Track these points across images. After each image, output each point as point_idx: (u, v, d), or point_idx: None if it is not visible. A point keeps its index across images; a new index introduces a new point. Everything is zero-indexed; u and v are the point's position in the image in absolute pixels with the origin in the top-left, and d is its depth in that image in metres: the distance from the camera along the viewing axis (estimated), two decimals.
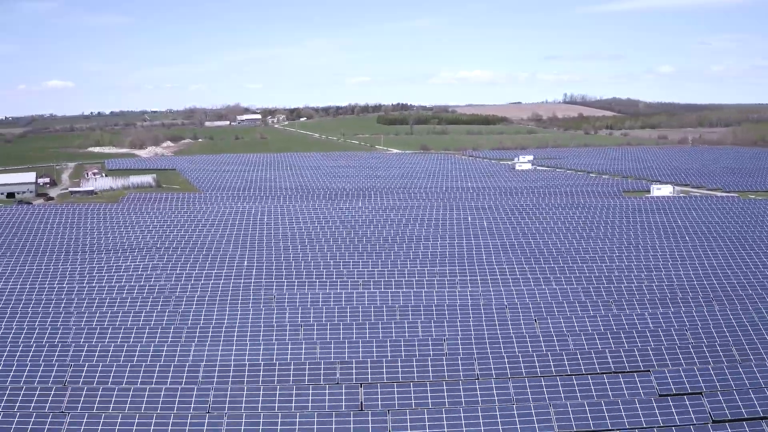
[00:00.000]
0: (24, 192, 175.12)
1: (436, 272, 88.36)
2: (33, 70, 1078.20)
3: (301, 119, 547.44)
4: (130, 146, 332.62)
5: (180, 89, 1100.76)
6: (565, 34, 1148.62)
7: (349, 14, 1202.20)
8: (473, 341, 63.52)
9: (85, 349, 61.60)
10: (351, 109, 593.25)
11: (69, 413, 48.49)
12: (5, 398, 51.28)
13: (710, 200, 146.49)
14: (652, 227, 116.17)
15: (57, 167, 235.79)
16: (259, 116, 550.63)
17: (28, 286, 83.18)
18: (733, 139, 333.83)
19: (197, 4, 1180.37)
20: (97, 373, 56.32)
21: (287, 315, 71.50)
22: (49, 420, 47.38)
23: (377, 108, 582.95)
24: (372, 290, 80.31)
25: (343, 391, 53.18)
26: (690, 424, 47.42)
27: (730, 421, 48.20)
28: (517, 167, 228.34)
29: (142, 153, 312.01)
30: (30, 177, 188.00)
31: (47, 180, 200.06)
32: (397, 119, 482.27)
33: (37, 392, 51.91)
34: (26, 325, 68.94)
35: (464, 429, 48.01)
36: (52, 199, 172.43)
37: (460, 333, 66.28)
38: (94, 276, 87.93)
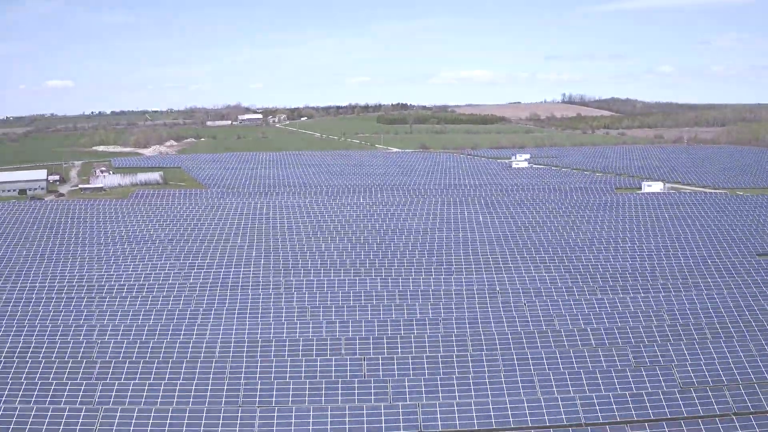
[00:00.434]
0: (35, 189, 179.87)
1: (434, 261, 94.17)
2: (33, 69, 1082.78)
3: (302, 119, 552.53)
4: (135, 145, 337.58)
5: (180, 89, 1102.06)
6: (565, 33, 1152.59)
7: (350, 14, 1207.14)
8: (467, 321, 69.25)
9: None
10: (351, 109, 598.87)
11: (100, 382, 54.32)
12: (40, 369, 57.10)
13: (698, 196, 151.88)
14: (640, 221, 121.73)
15: (65, 165, 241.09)
16: (260, 116, 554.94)
17: (50, 273, 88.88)
18: (728, 138, 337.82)
19: (197, 5, 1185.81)
20: (122, 348, 62.25)
21: (294, 299, 77.27)
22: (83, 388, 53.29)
23: (377, 108, 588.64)
24: (373, 277, 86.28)
25: (348, 362, 58.88)
26: (659, 390, 53.27)
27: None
28: (514, 165, 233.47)
29: (147, 151, 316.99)
30: (41, 174, 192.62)
31: (57, 177, 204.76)
32: (397, 119, 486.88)
33: (69, 366, 57.71)
34: (51, 308, 74.64)
35: (456, 394, 53.71)
36: (62, 195, 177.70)
37: (455, 313, 72.05)
38: (111, 264, 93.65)
